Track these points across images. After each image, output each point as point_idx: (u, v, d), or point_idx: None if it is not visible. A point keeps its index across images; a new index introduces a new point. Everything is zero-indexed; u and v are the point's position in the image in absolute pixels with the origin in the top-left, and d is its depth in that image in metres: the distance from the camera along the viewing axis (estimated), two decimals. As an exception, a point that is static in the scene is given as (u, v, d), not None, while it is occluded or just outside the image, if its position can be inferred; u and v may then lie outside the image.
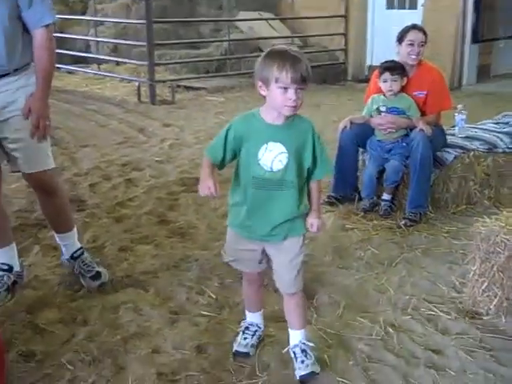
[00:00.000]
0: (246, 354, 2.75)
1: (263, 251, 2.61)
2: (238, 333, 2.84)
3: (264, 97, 2.43)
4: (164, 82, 9.65)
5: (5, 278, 3.28)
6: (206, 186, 2.42)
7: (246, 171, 2.50)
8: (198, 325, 3.01)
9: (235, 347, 2.78)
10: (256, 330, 2.83)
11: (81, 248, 3.49)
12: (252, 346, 2.78)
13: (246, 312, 2.87)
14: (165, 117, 8.05)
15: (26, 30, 2.96)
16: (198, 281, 3.46)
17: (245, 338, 2.79)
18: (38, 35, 2.94)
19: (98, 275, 3.39)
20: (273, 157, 2.44)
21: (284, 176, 2.46)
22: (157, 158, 5.96)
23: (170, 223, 4.33)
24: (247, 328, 2.83)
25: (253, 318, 2.85)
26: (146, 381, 2.57)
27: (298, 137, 2.47)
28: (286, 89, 2.33)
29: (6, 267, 3.32)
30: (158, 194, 4.90)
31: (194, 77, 10.40)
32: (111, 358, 2.73)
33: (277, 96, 2.36)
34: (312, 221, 2.57)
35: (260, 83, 2.40)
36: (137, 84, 9.22)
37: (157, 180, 5.29)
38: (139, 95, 9.09)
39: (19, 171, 3.17)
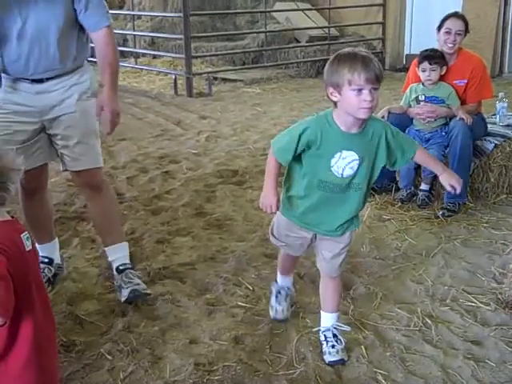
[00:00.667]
0: (284, 321, 2.92)
1: (312, 238, 2.64)
2: (270, 297, 2.98)
3: (335, 103, 2.37)
4: (201, 74, 9.69)
5: (46, 271, 3.34)
6: (269, 205, 2.47)
7: (313, 173, 2.47)
8: (234, 316, 3.02)
9: (272, 315, 2.93)
10: (287, 294, 2.97)
11: (130, 264, 3.28)
12: (288, 310, 2.96)
13: (278, 274, 3.00)
14: (201, 109, 8.07)
15: (80, 32, 2.98)
16: (235, 272, 3.47)
17: (279, 304, 2.93)
18: (101, 35, 2.95)
19: (135, 285, 3.13)
20: (345, 164, 2.42)
21: (352, 180, 2.46)
22: (193, 151, 5.98)
23: (206, 215, 4.34)
24: (279, 292, 2.96)
25: (284, 280, 3.00)
26: (184, 371, 2.59)
27: (373, 142, 2.44)
28: (360, 90, 2.25)
29: (47, 260, 3.38)
30: (194, 187, 4.92)
31: (230, 69, 10.41)
32: (149, 348, 2.76)
33: (351, 99, 2.28)
34: (451, 183, 2.53)
35: (331, 89, 2.34)
36: (173, 77, 9.25)
37: (194, 172, 5.30)
38: (176, 88, 9.13)
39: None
